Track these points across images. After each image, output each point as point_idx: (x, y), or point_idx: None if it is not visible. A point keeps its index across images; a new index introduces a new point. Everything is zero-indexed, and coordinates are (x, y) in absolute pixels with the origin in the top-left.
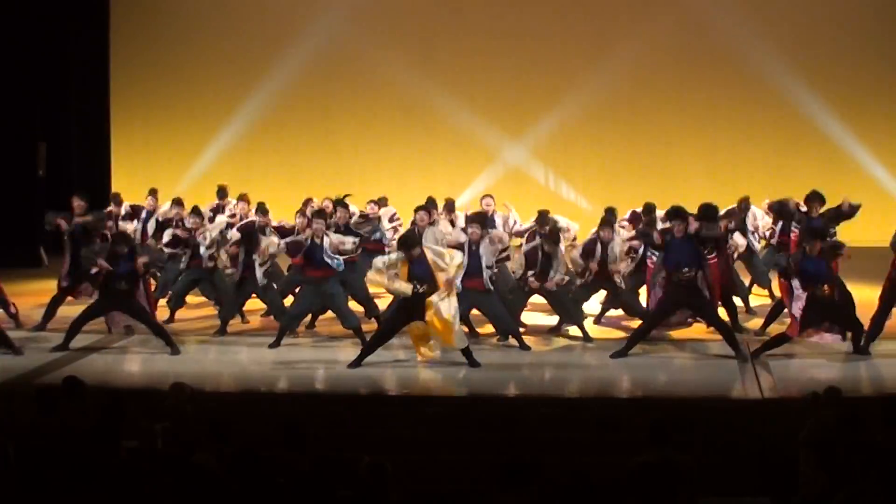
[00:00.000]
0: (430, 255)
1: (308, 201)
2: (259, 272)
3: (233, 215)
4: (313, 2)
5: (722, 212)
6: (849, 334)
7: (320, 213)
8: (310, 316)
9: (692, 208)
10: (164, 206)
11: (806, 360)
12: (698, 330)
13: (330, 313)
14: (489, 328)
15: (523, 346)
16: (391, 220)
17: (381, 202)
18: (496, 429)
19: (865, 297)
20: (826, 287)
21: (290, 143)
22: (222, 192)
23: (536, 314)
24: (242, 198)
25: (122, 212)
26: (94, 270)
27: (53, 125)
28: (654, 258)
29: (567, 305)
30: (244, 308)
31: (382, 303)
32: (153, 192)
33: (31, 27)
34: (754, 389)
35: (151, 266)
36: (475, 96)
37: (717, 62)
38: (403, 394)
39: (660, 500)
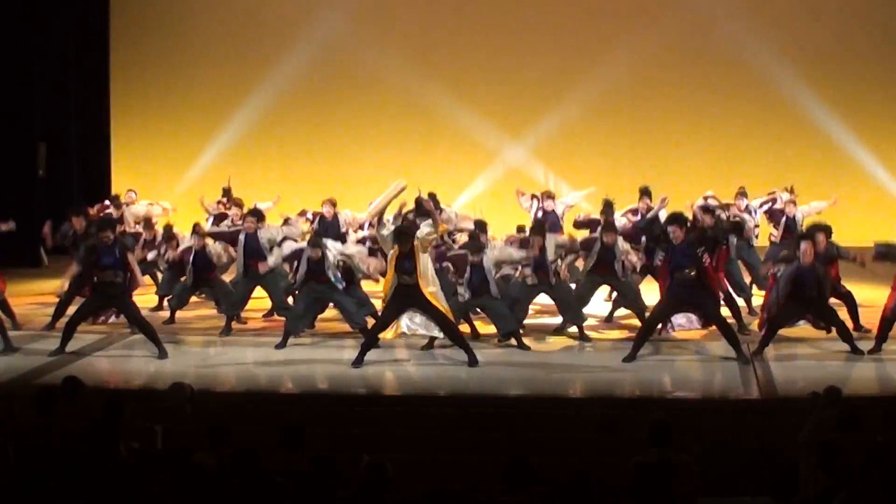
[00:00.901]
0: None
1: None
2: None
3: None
4: (313, 2)
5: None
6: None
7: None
8: None
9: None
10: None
11: (806, 361)
12: (698, 330)
13: (329, 313)
14: (490, 328)
15: (522, 347)
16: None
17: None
18: (496, 429)
19: (865, 297)
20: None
21: (289, 143)
22: (227, 194)
23: (536, 315)
24: (236, 202)
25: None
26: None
27: (53, 125)
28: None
29: (572, 305)
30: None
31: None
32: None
33: (31, 27)
34: (754, 389)
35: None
36: (475, 96)
37: (718, 62)
38: (403, 394)
39: (660, 501)
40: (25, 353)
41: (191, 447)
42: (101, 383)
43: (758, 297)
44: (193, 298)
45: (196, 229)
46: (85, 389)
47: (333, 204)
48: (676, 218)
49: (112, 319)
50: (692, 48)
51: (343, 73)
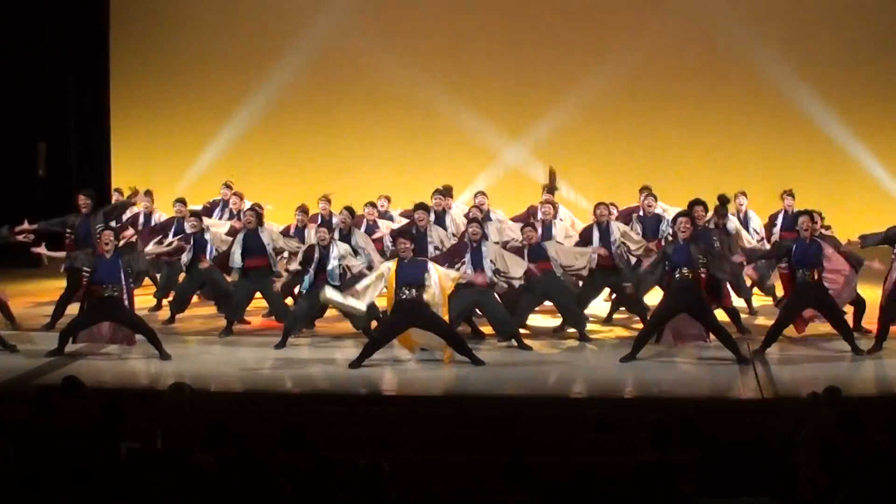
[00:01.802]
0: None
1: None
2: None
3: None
4: (313, 2)
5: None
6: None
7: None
8: None
9: None
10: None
11: (806, 361)
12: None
13: (330, 313)
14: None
15: (523, 347)
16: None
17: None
18: (496, 429)
19: (865, 297)
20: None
21: (289, 143)
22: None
23: (537, 315)
24: (236, 193)
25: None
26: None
27: (53, 125)
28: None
29: (572, 308)
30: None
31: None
32: (149, 194)
33: (31, 27)
34: (754, 389)
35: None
36: (475, 96)
37: (717, 62)
38: (403, 394)
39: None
40: (25, 353)
41: (191, 447)
42: (101, 383)
43: (758, 299)
44: (194, 299)
45: (193, 213)
46: (85, 389)
47: (329, 201)
48: (688, 213)
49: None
50: (692, 49)
51: (343, 72)
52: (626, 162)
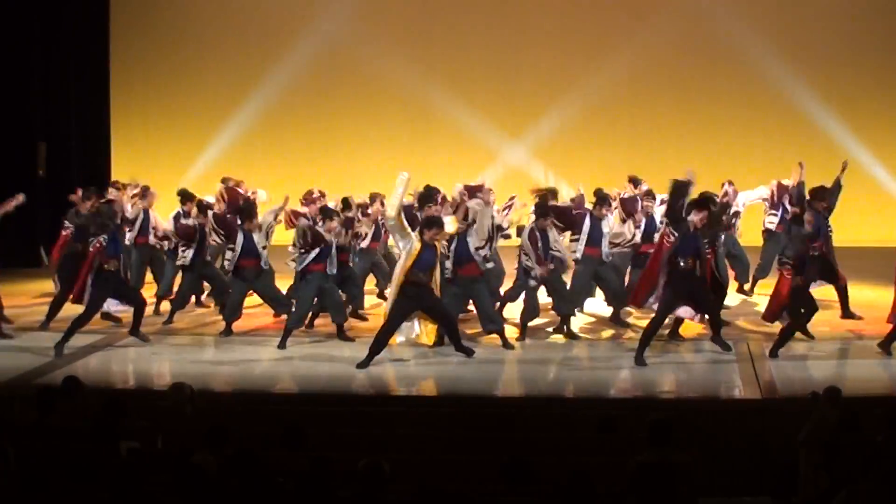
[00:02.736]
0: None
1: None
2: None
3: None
4: (313, 1)
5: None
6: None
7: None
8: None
9: None
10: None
11: (806, 361)
12: (698, 330)
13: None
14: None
15: (506, 345)
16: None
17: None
18: (496, 429)
19: (865, 297)
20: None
21: (289, 143)
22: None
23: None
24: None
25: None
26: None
27: (53, 125)
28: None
29: (564, 293)
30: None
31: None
32: (146, 191)
33: (31, 27)
34: (754, 389)
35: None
36: (475, 96)
37: (717, 62)
38: (403, 394)
39: (660, 501)
40: (25, 353)
41: (191, 447)
42: (102, 383)
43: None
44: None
45: (200, 206)
46: (85, 389)
47: (323, 195)
48: (702, 203)
49: (116, 307)
50: (692, 49)
51: (343, 72)
52: (626, 162)
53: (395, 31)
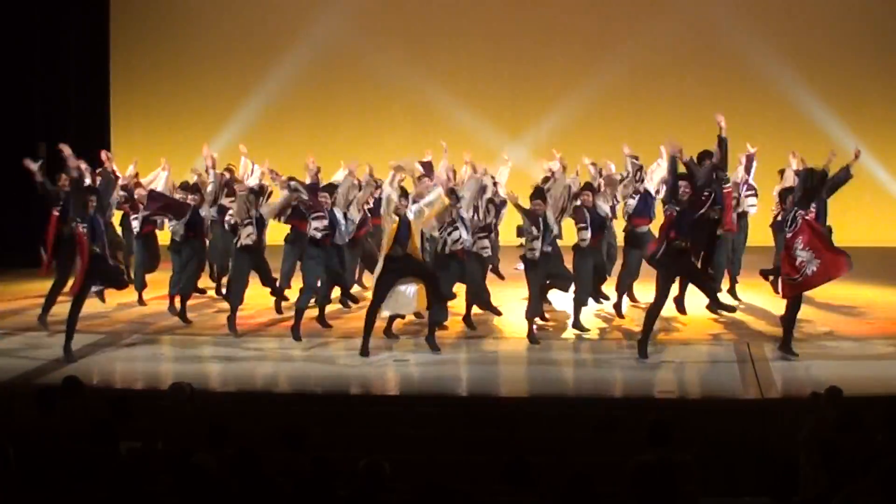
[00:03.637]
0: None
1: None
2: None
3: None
4: (314, 1)
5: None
6: None
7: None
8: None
9: None
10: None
11: (806, 361)
12: (698, 330)
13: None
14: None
15: (470, 326)
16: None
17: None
18: (496, 429)
19: (865, 297)
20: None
21: (290, 143)
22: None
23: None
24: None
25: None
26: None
27: (53, 125)
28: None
29: (565, 274)
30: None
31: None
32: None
33: (30, 27)
34: (754, 389)
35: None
36: (475, 96)
37: (718, 62)
38: (403, 394)
39: (660, 501)
40: (25, 353)
41: (191, 447)
42: (102, 383)
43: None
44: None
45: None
46: (85, 389)
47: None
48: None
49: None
50: (693, 49)
51: (344, 71)
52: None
53: (395, 31)
